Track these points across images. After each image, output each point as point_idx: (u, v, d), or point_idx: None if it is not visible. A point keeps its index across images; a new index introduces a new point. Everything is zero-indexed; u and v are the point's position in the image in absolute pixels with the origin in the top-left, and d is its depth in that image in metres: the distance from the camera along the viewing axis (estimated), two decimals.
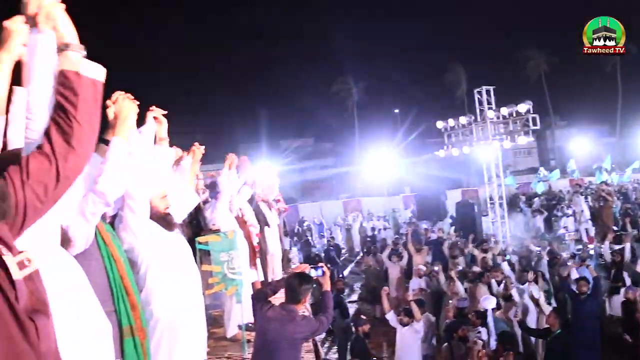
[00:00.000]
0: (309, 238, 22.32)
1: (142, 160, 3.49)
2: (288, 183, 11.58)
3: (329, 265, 16.22)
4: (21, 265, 1.40)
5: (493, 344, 8.25)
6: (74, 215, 2.70)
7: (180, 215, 4.46)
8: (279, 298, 4.96)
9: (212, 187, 7.56)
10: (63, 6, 1.87)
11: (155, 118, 3.98)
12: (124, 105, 3.09)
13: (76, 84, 1.78)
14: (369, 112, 54.46)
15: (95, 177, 2.80)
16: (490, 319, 8.76)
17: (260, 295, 4.79)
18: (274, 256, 9.43)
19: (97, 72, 1.86)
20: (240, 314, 6.36)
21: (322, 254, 19.86)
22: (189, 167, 5.06)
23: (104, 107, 3.10)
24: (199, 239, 5.99)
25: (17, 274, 1.37)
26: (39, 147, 1.72)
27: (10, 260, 1.36)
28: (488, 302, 9.12)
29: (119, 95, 3.14)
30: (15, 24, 2.01)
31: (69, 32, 1.89)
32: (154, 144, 4.01)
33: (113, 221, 3.61)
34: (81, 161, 1.80)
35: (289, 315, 4.49)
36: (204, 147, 5.44)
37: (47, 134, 1.74)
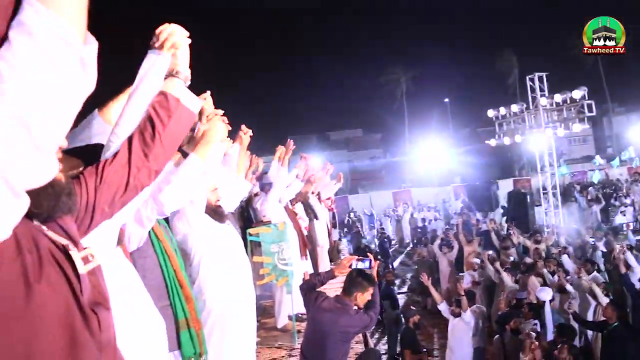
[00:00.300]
0: (359, 229, 22.33)
1: None
2: (337, 174, 11.65)
3: (379, 258, 16.24)
4: (85, 260, 1.46)
5: (550, 336, 8.11)
6: (131, 218, 2.76)
7: (232, 204, 4.54)
8: (328, 289, 5.00)
9: (262, 179, 7.65)
10: (188, 41, 2.04)
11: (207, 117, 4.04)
12: (216, 127, 3.04)
13: (173, 107, 1.91)
14: (418, 101, 53.90)
15: (160, 183, 2.78)
16: (548, 311, 8.61)
17: (308, 286, 4.84)
18: (323, 248, 9.50)
19: (195, 105, 2.01)
20: (290, 304, 6.44)
21: (373, 245, 19.87)
22: (237, 155, 5.08)
23: None
24: (250, 230, 6.10)
25: (82, 269, 1.43)
26: (116, 154, 1.83)
27: (76, 255, 1.43)
28: (545, 294, 8.97)
29: (215, 113, 3.16)
30: None
31: (184, 63, 2.05)
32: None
33: None
34: (152, 176, 1.91)
35: (343, 308, 4.53)
36: (250, 130, 5.29)
37: (129, 142, 1.85)
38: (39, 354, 1.27)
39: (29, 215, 1.39)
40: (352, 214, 26.29)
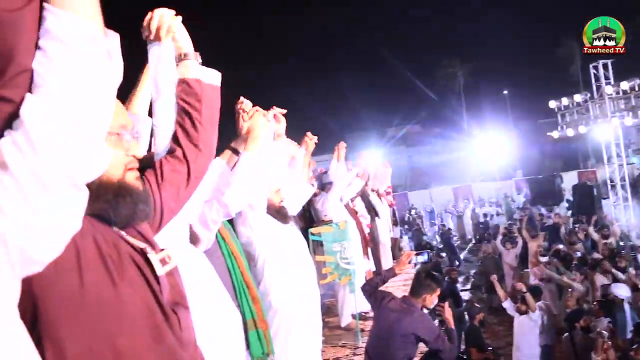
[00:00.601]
0: (420, 226, 22.10)
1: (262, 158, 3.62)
2: (396, 170, 11.55)
3: (442, 254, 16.01)
4: (163, 262, 1.52)
5: (628, 335, 7.83)
6: (196, 220, 2.83)
7: (295, 207, 4.59)
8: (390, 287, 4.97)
9: (321, 178, 7.68)
10: (179, 19, 2.02)
11: (275, 116, 4.09)
12: (258, 122, 3.15)
13: (198, 90, 1.94)
14: (476, 94, 52.74)
15: (220, 186, 2.88)
16: (627, 308, 8.32)
17: (371, 286, 4.83)
18: (385, 246, 9.46)
19: (215, 78, 2.03)
20: (353, 303, 6.45)
21: (434, 242, 19.62)
22: (302, 160, 5.15)
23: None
24: (312, 230, 6.13)
25: (160, 270, 1.49)
26: (170, 152, 1.90)
27: (154, 257, 1.49)
28: (621, 290, 8.67)
29: (255, 110, 3.22)
30: None
31: (187, 42, 2.05)
32: (272, 140, 4.11)
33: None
34: (207, 161, 1.97)
35: (409, 309, 4.50)
36: (316, 137, 5.43)
37: (175, 138, 1.91)
38: (126, 350, 1.33)
39: (109, 222, 1.46)
40: (412, 211, 26.04)
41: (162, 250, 1.57)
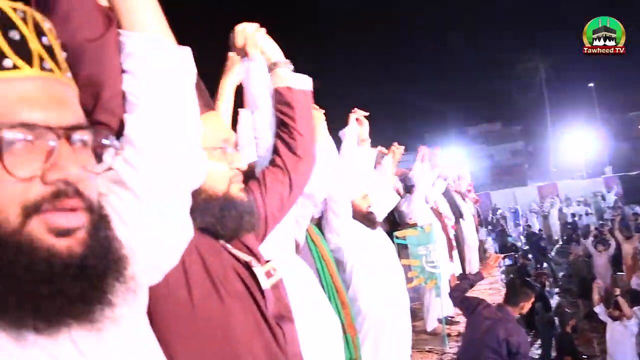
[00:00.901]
0: (504, 227, 21.50)
1: (345, 163, 3.60)
2: (478, 170, 11.25)
3: (530, 256, 15.46)
4: (268, 274, 1.52)
5: None
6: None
7: (382, 214, 4.54)
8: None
9: (404, 181, 7.59)
10: (263, 30, 2.04)
11: (357, 120, 4.07)
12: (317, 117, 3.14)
13: (290, 97, 1.95)
14: (559, 88, 50.86)
15: None
16: None
17: (459, 291, 4.73)
18: (470, 247, 9.25)
19: (306, 83, 2.03)
20: (439, 307, 6.33)
21: (519, 243, 19.04)
22: (390, 167, 5.15)
23: None
24: (397, 233, 6.05)
25: (265, 284, 1.48)
26: (271, 162, 1.92)
27: (259, 271, 1.49)
28: None
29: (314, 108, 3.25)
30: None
31: (275, 51, 2.05)
32: (356, 145, 4.10)
33: (319, 222, 3.77)
34: (309, 168, 1.99)
35: (504, 317, 4.37)
36: (403, 147, 5.52)
37: (275, 149, 1.93)
38: None
39: (215, 236, 1.47)
40: (495, 211, 25.39)
41: (267, 262, 1.58)
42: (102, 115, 1.10)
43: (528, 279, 4.65)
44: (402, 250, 6.18)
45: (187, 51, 1.19)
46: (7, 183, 0.73)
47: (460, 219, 8.87)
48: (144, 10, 1.14)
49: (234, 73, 2.35)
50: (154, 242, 1.05)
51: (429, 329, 6.85)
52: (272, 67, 2.03)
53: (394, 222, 6.88)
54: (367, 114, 4.16)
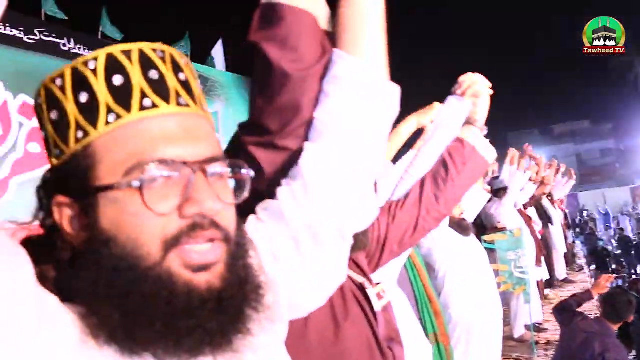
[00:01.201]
0: (594, 230, 20.57)
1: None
2: (567, 170, 10.84)
3: (623, 260, 14.73)
4: (379, 296, 1.49)
5: None
6: None
7: (472, 216, 4.49)
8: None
9: (492, 184, 7.44)
10: (490, 92, 2.05)
11: None
12: None
13: (469, 154, 1.94)
14: None
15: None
16: None
17: (565, 309, 4.60)
18: (559, 252, 8.96)
19: (490, 155, 2.02)
20: (528, 314, 6.18)
21: (610, 248, 18.19)
22: None
23: None
24: (485, 237, 5.94)
25: (377, 306, 1.46)
26: (409, 195, 1.92)
27: (372, 292, 1.48)
28: None
29: None
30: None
31: (483, 113, 2.06)
32: None
33: None
34: (440, 219, 1.95)
35: (602, 331, 4.21)
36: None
37: (421, 184, 1.93)
38: None
39: None
40: (583, 213, 24.34)
41: (378, 284, 1.55)
42: (286, 141, 1.08)
43: (633, 294, 4.45)
44: (490, 254, 6.06)
45: (396, 89, 1.14)
46: (148, 218, 0.76)
47: (549, 224, 8.61)
48: (371, 35, 1.11)
49: (427, 116, 2.42)
50: (302, 281, 1.03)
51: (516, 336, 6.70)
52: (471, 121, 2.03)
53: (481, 226, 6.77)
54: None
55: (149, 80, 0.80)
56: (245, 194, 0.87)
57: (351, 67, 1.08)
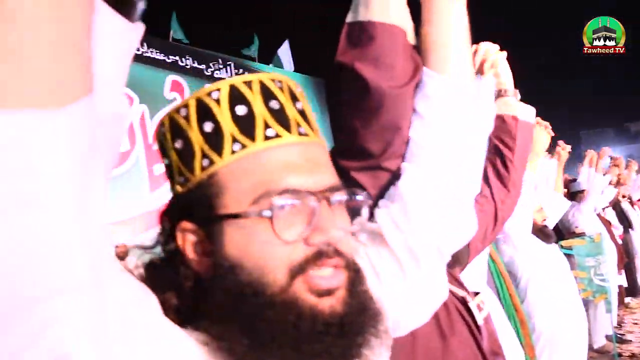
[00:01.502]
0: None
1: None
2: None
3: None
4: (479, 308, 1.48)
5: None
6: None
7: (551, 224, 4.34)
8: None
9: (569, 187, 7.19)
10: (504, 54, 1.98)
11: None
12: (541, 138, 3.20)
13: (513, 127, 1.91)
14: None
15: None
16: None
17: None
18: None
19: (531, 115, 1.99)
20: (609, 323, 5.94)
21: None
22: (555, 172, 4.88)
23: None
24: (563, 243, 5.74)
25: (479, 318, 1.45)
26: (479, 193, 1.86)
27: (472, 305, 1.46)
28: None
29: (538, 123, 3.26)
30: None
31: (508, 78, 2.00)
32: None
33: None
34: (515, 203, 1.92)
35: None
36: (569, 146, 5.18)
37: (485, 178, 1.86)
38: None
39: None
40: None
41: (476, 295, 1.54)
42: (389, 162, 1.09)
43: None
44: (567, 260, 5.87)
45: (490, 106, 1.17)
46: (275, 246, 0.77)
47: (629, 229, 8.25)
48: (457, 52, 1.13)
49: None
50: (407, 302, 1.05)
51: (595, 346, 6.45)
52: (501, 93, 1.99)
53: (558, 231, 6.55)
54: (546, 124, 3.98)
55: (271, 110, 0.82)
56: (363, 220, 0.88)
57: (442, 87, 1.09)
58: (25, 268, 0.48)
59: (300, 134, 0.83)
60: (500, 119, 1.91)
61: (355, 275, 0.84)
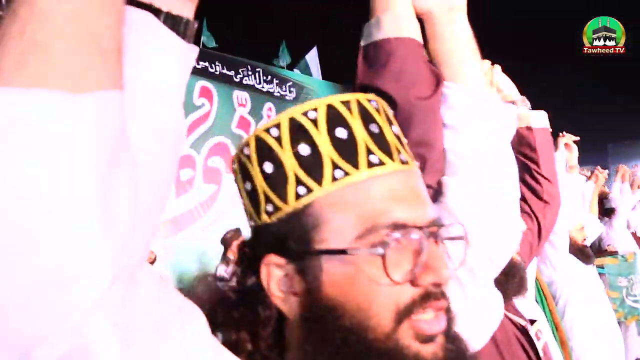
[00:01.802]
0: None
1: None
2: None
3: None
4: (537, 336, 1.46)
5: None
6: None
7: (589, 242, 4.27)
8: None
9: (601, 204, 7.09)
10: (498, 67, 1.96)
11: (566, 145, 3.87)
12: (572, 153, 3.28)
13: (530, 139, 1.88)
14: None
15: None
16: None
17: None
18: None
19: (543, 119, 1.95)
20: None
21: None
22: (593, 194, 4.85)
23: None
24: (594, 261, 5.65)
25: (539, 347, 1.43)
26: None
27: (532, 332, 1.45)
28: None
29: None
30: None
31: (512, 90, 1.98)
32: (565, 171, 3.90)
33: None
34: (555, 212, 1.91)
35: None
36: (606, 171, 5.20)
37: (521, 197, 1.83)
38: None
39: None
40: None
41: (533, 322, 1.50)
42: (427, 178, 1.04)
43: None
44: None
45: (511, 109, 1.16)
46: (383, 286, 0.70)
47: None
48: (467, 63, 1.11)
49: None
50: (467, 321, 0.98)
51: None
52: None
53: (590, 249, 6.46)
54: (577, 138, 3.92)
55: (372, 135, 0.75)
56: (462, 258, 0.81)
57: (462, 94, 1.08)
58: (42, 252, 0.45)
59: (402, 161, 0.76)
60: (516, 134, 1.88)
61: (451, 317, 0.78)
